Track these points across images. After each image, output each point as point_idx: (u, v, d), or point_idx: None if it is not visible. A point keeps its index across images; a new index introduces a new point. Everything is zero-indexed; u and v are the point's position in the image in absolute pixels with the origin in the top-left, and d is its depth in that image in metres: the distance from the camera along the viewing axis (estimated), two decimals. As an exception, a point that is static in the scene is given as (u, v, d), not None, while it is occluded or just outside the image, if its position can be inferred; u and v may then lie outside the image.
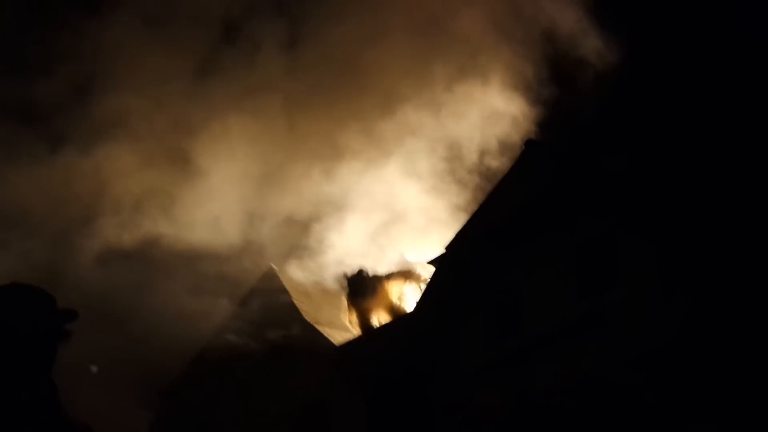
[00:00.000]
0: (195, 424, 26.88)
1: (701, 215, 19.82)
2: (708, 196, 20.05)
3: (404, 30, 26.51)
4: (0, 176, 25.81)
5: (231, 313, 26.75)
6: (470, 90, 25.83)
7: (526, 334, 21.56)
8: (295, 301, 26.23)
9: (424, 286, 24.40)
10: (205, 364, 26.75)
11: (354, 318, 26.34)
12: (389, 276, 25.87)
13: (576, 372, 20.40)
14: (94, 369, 29.31)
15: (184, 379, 27.28)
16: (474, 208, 23.62)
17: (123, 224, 26.33)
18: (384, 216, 26.12)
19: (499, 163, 24.41)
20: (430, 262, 23.63)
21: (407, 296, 25.95)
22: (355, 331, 26.14)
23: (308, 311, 26.17)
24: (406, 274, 26.26)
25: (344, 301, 26.30)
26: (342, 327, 26.18)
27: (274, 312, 26.09)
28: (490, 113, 25.45)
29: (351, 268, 25.89)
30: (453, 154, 25.73)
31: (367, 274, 25.72)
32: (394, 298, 25.84)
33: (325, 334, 25.43)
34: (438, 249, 23.71)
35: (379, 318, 25.78)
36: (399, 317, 24.98)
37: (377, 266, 25.93)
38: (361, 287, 25.79)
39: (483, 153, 25.43)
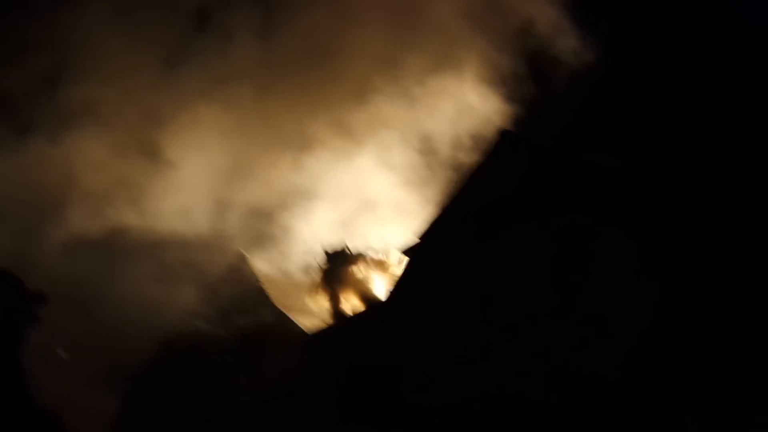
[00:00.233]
0: (163, 411, 26.77)
1: (674, 207, 19.88)
2: (681, 189, 20.11)
3: (378, 18, 26.42)
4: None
5: (200, 300, 26.64)
6: (444, 82, 25.82)
7: (500, 323, 21.54)
8: (265, 287, 26.14)
9: (395, 276, 24.32)
10: (174, 350, 26.63)
11: (323, 301, 26.21)
12: (361, 262, 25.78)
13: (549, 361, 20.42)
14: (62, 354, 29.19)
15: (152, 366, 27.15)
16: (446, 200, 23.56)
17: (91, 213, 26.21)
18: (355, 205, 26.09)
19: (471, 157, 24.35)
20: (404, 252, 23.56)
21: (377, 285, 25.89)
22: (323, 315, 26.03)
23: (278, 298, 26.11)
24: (377, 264, 26.18)
25: (316, 281, 26.08)
26: (312, 314, 26.09)
27: (244, 299, 26.01)
28: (464, 106, 25.42)
29: (327, 250, 25.77)
30: (425, 146, 25.71)
31: (350, 251, 25.62)
32: (365, 286, 25.77)
33: (296, 321, 25.36)
34: (409, 239, 23.67)
35: (350, 305, 25.70)
36: (371, 305, 24.91)
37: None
38: (340, 265, 25.60)
39: (456, 146, 25.41)
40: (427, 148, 25.61)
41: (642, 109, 22.95)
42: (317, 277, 26.02)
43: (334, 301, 25.68)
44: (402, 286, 23.19)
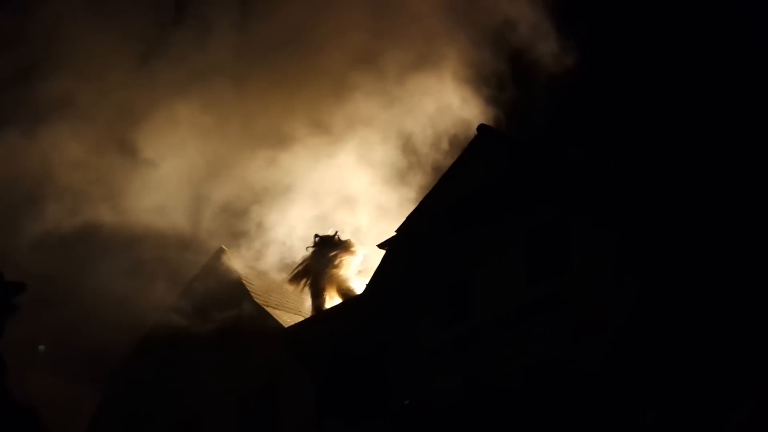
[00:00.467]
0: (143, 405, 26.72)
1: (652, 203, 19.94)
2: (660, 185, 20.18)
3: (358, 10, 26.38)
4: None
5: (179, 295, 26.59)
6: (424, 79, 25.78)
7: (478, 317, 21.61)
8: (244, 282, 26.10)
9: (372, 269, 24.32)
10: (154, 344, 26.58)
11: (302, 295, 26.15)
12: (346, 252, 25.71)
13: (527, 356, 20.50)
14: (41, 348, 29.12)
15: (132, 360, 27.09)
16: (424, 194, 23.59)
17: (66, 208, 26.10)
18: (333, 202, 26.07)
19: (450, 155, 24.38)
20: (381, 245, 23.58)
21: (356, 278, 25.86)
22: (302, 309, 25.97)
23: (258, 293, 26.05)
24: (356, 255, 26.11)
25: (298, 272, 25.99)
26: (292, 309, 26.07)
27: (223, 293, 25.97)
28: (443, 104, 25.40)
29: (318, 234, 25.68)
30: (405, 144, 25.70)
31: (339, 238, 25.56)
32: (345, 278, 25.73)
33: (275, 316, 25.32)
34: (386, 235, 23.71)
35: (329, 298, 25.66)
36: (350, 299, 24.91)
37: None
38: (326, 253, 25.50)
39: (435, 144, 25.42)
40: (406, 146, 25.62)
41: (622, 107, 23.01)
42: (299, 268, 25.95)
43: (314, 294, 25.64)
44: (380, 279, 23.21)
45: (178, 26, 27.06)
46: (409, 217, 23.05)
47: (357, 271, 25.72)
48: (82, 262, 26.45)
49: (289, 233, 26.12)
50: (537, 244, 21.23)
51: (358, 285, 25.33)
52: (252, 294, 25.74)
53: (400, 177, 25.64)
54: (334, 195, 26.18)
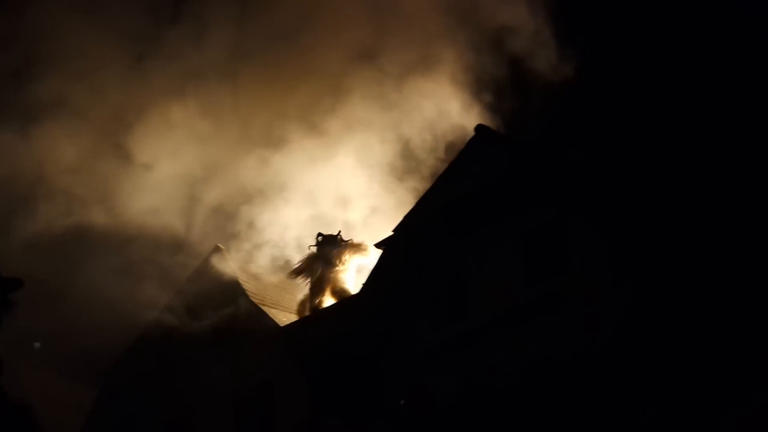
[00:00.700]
0: (139, 404, 26.69)
1: (651, 203, 19.93)
2: (659, 186, 20.17)
3: (355, 9, 26.32)
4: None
5: (175, 293, 26.55)
6: (422, 82, 25.71)
7: (475, 318, 21.59)
8: (240, 281, 26.07)
9: (369, 269, 24.30)
10: (149, 343, 26.54)
11: (298, 294, 26.12)
12: (346, 251, 25.68)
13: (524, 357, 20.49)
14: (37, 345, 29.08)
15: (127, 359, 27.06)
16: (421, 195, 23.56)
17: (59, 208, 26.04)
18: (329, 202, 26.04)
19: (447, 158, 24.33)
20: (378, 245, 23.56)
21: (352, 278, 25.83)
22: (298, 308, 25.93)
23: (254, 292, 26.02)
24: (355, 253, 26.07)
25: (297, 271, 25.95)
26: (288, 308, 26.04)
27: (219, 292, 25.93)
28: (440, 106, 25.34)
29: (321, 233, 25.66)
30: (400, 145, 25.65)
31: (341, 238, 25.54)
32: (342, 277, 25.69)
33: (271, 315, 25.29)
34: (380, 236, 23.71)
35: (325, 298, 25.62)
36: (346, 298, 24.87)
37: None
38: (327, 252, 25.47)
39: (431, 146, 25.37)
40: (403, 148, 25.57)
41: (622, 108, 22.97)
42: (301, 265, 25.92)
43: (313, 293, 25.60)
44: (376, 278, 23.19)
45: (173, 25, 26.98)
46: (406, 217, 23.03)
47: (355, 271, 25.68)
48: (76, 261, 26.42)
49: (285, 233, 26.09)
50: (535, 244, 21.22)
51: (354, 285, 25.29)
52: (247, 293, 25.71)
53: (397, 178, 25.60)
54: (330, 195, 26.15)
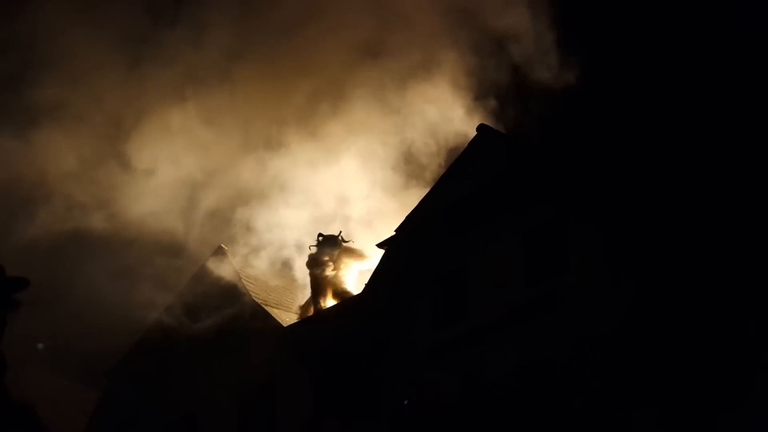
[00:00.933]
0: (142, 404, 26.75)
1: (649, 205, 19.99)
2: (658, 187, 20.22)
3: (356, 13, 26.31)
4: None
5: (178, 293, 26.61)
6: (422, 87, 25.68)
7: (475, 318, 21.65)
8: (243, 281, 26.13)
9: (371, 269, 24.35)
10: (152, 343, 26.61)
11: (301, 295, 26.19)
12: (347, 253, 25.73)
13: (523, 356, 20.54)
14: (40, 346, 29.17)
15: (130, 359, 27.12)
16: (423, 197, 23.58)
17: (59, 211, 26.05)
18: (330, 203, 26.07)
19: (447, 162, 24.35)
20: (380, 245, 23.61)
21: (354, 278, 25.89)
22: (300, 309, 26.00)
23: (257, 292, 26.07)
24: (357, 256, 26.14)
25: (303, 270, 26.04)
26: (291, 308, 26.11)
27: (221, 292, 25.98)
28: (441, 112, 25.31)
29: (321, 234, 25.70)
30: (400, 146, 25.66)
31: (342, 239, 25.59)
32: (344, 278, 25.75)
33: (273, 315, 25.35)
34: (380, 238, 23.78)
35: (328, 298, 25.67)
36: (347, 299, 24.93)
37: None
38: (330, 249, 25.51)
39: (430, 147, 25.37)
40: (403, 149, 25.57)
41: (621, 109, 22.99)
42: (301, 267, 26.00)
43: (313, 294, 25.67)
44: (378, 278, 23.25)
45: (171, 28, 26.92)
46: (408, 217, 23.07)
47: (357, 272, 25.74)
48: (78, 264, 26.45)
49: (287, 234, 26.12)
50: (535, 244, 21.27)
51: (356, 285, 25.35)
52: (250, 293, 25.76)
53: (398, 180, 25.61)
54: (331, 196, 26.17)
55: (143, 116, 26.46)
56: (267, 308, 25.55)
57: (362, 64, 26.09)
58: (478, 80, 25.04)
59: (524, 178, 21.45)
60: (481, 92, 24.96)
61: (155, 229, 25.84)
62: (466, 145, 23.10)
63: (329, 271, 25.44)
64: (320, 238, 25.58)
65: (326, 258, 25.40)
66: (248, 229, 26.06)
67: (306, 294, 26.12)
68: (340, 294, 25.31)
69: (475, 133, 22.92)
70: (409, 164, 25.42)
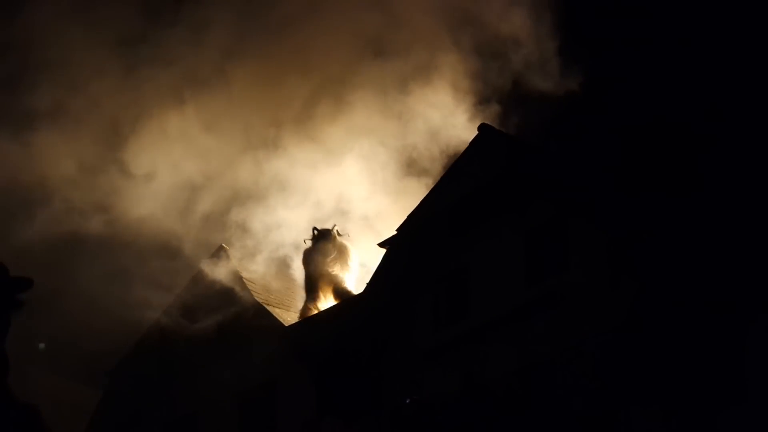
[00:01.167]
0: (143, 403, 26.76)
1: (650, 204, 20.00)
2: (657, 187, 20.24)
3: (356, 12, 26.27)
4: None
5: (179, 293, 26.62)
6: (422, 90, 25.66)
7: (476, 317, 21.67)
8: (244, 280, 26.13)
9: (372, 268, 24.35)
10: (153, 343, 26.61)
11: (302, 294, 26.19)
12: (344, 250, 25.72)
13: (523, 356, 20.56)
14: (41, 346, 29.16)
15: (131, 359, 27.13)
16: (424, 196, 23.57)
17: (60, 212, 26.04)
18: (331, 201, 26.08)
19: (445, 166, 24.34)
20: (381, 244, 23.61)
21: (355, 278, 25.88)
22: (301, 308, 25.99)
23: (257, 291, 26.08)
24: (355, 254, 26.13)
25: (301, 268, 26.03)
26: (292, 307, 26.12)
27: (222, 291, 25.99)
28: (441, 115, 25.28)
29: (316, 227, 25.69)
30: (400, 147, 25.65)
31: (338, 232, 25.57)
32: (343, 277, 25.72)
33: (274, 314, 25.36)
34: (383, 236, 23.78)
35: (328, 297, 25.67)
36: (348, 298, 24.92)
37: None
38: (326, 242, 25.47)
39: (432, 155, 25.36)
40: (403, 150, 25.57)
41: (622, 110, 22.99)
42: (302, 267, 25.98)
43: (308, 291, 25.66)
44: (380, 277, 23.27)
45: (170, 29, 26.87)
46: (410, 216, 23.08)
47: (355, 269, 25.73)
48: (78, 264, 26.45)
49: (288, 234, 26.12)
50: (536, 243, 21.30)
51: (356, 284, 25.36)
52: (251, 292, 25.77)
53: (399, 181, 25.61)
54: (332, 195, 26.16)
55: (141, 118, 26.45)
56: (268, 308, 25.56)
57: (363, 66, 26.10)
58: (479, 84, 25.02)
59: (525, 177, 21.47)
60: (483, 97, 24.96)
61: (154, 230, 25.84)
62: (463, 147, 23.12)
63: (324, 266, 25.37)
64: (315, 232, 25.54)
65: (321, 252, 25.34)
66: (248, 229, 26.06)
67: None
68: (340, 293, 25.30)
69: (477, 129, 22.92)
70: (410, 167, 25.41)
